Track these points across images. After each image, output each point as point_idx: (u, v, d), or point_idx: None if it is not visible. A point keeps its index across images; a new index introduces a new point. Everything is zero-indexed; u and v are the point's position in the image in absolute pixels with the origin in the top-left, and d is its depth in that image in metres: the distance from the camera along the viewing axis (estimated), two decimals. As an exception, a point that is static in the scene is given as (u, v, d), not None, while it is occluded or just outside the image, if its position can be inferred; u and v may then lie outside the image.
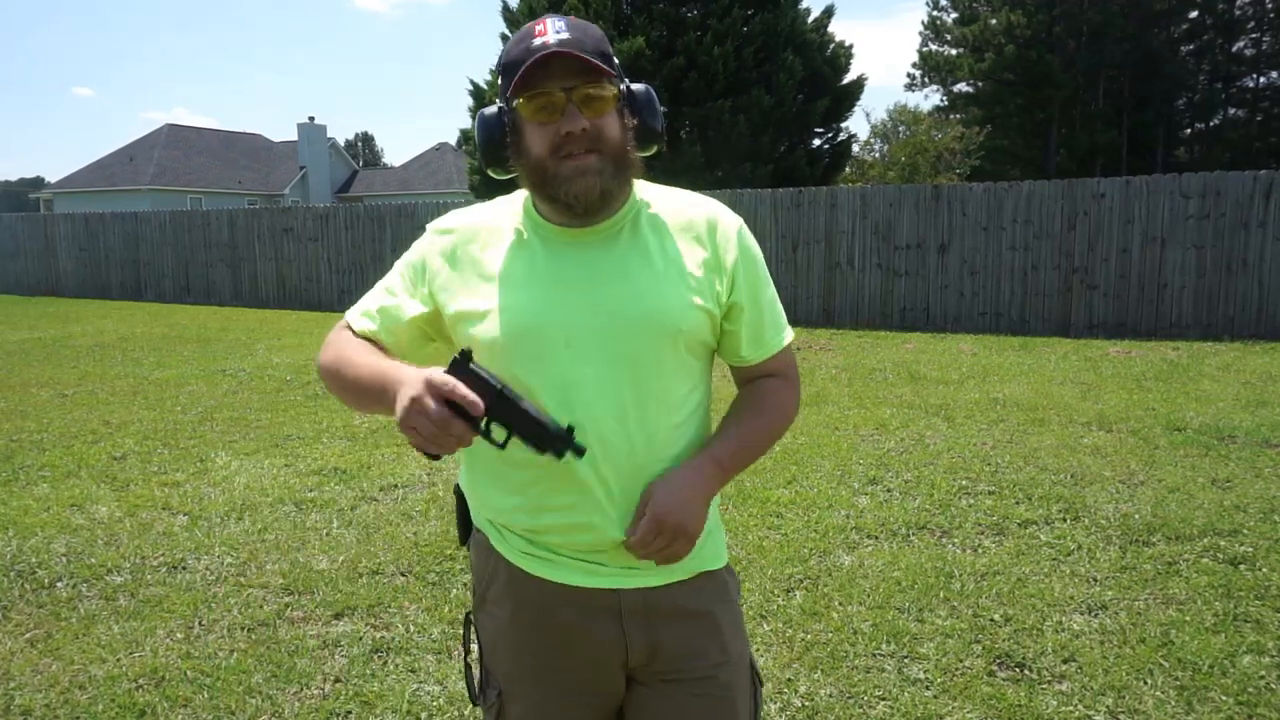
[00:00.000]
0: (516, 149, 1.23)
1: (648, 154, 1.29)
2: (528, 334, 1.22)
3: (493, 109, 1.26)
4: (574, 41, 1.18)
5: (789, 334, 1.39)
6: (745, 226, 1.35)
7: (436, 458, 1.15)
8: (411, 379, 1.11)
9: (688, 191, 1.37)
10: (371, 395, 1.22)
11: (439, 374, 1.10)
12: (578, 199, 1.19)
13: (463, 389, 1.08)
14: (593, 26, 1.24)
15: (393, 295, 1.33)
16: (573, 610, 1.29)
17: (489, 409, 1.11)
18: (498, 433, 1.14)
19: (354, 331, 1.35)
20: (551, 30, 1.19)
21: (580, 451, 1.14)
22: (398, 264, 1.36)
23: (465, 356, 1.12)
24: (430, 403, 1.07)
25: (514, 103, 1.20)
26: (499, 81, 1.24)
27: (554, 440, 1.13)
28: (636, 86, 1.27)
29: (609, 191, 1.21)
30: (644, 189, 1.32)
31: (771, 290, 1.37)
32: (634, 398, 1.23)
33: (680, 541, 1.22)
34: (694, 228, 1.30)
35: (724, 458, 1.29)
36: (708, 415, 1.36)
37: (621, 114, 1.23)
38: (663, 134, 1.28)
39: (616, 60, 1.25)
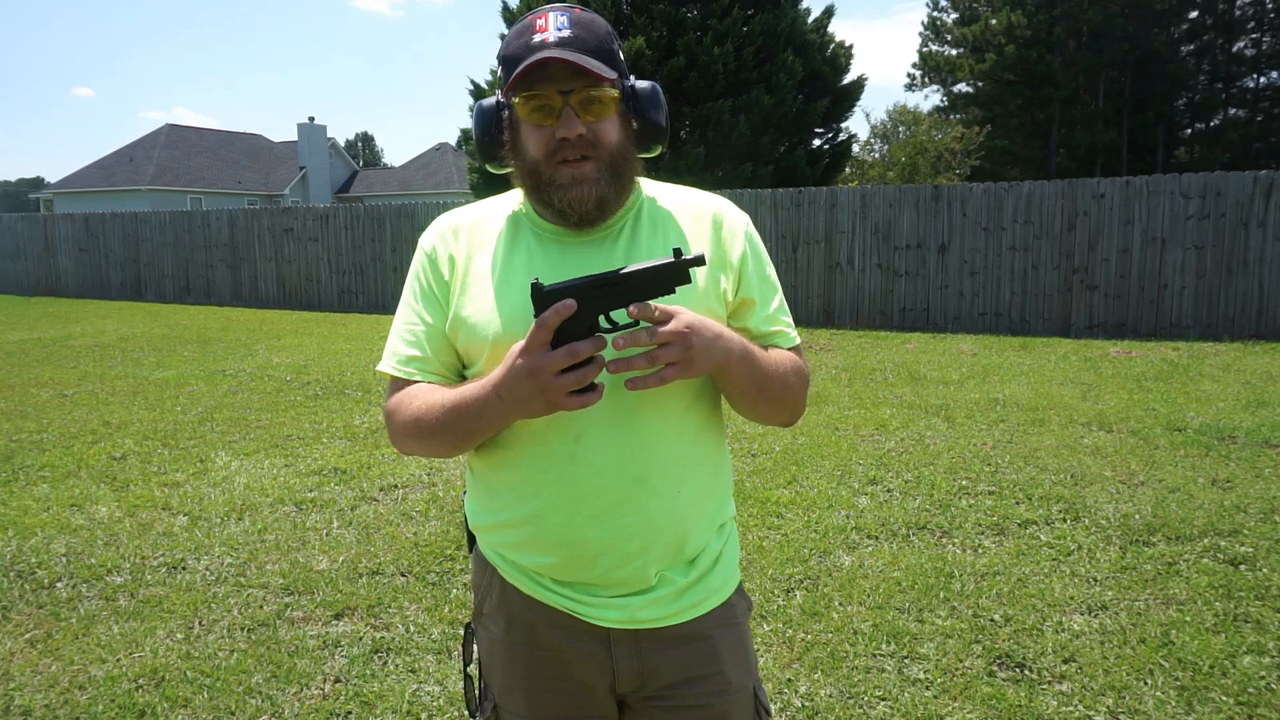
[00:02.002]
0: (513, 146, 1.18)
1: (652, 155, 1.24)
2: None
3: (491, 101, 1.21)
4: (575, 40, 1.12)
5: (797, 337, 1.33)
6: (751, 224, 1.31)
7: (594, 390, 1.05)
8: (504, 366, 1.06)
9: (693, 189, 1.32)
10: (470, 413, 1.12)
11: (520, 344, 1.05)
12: (572, 207, 1.15)
13: (543, 317, 1.02)
14: (598, 21, 1.17)
15: (422, 321, 1.24)
16: (559, 633, 1.24)
17: (590, 306, 1.04)
18: (619, 317, 1.08)
19: (403, 381, 1.24)
20: (553, 26, 1.13)
21: (701, 260, 1.07)
22: (405, 295, 1.28)
23: (536, 288, 1.04)
24: (537, 360, 1.02)
25: (511, 100, 1.16)
26: (499, 71, 1.19)
27: (673, 273, 1.06)
28: (641, 85, 1.21)
29: (605, 199, 1.16)
30: (648, 186, 1.28)
31: (780, 293, 1.31)
32: (631, 404, 1.16)
33: (680, 354, 1.06)
34: (698, 224, 1.25)
35: (749, 347, 1.18)
36: (713, 431, 1.28)
37: (625, 115, 1.18)
38: (667, 133, 1.23)
39: (622, 56, 1.20)
